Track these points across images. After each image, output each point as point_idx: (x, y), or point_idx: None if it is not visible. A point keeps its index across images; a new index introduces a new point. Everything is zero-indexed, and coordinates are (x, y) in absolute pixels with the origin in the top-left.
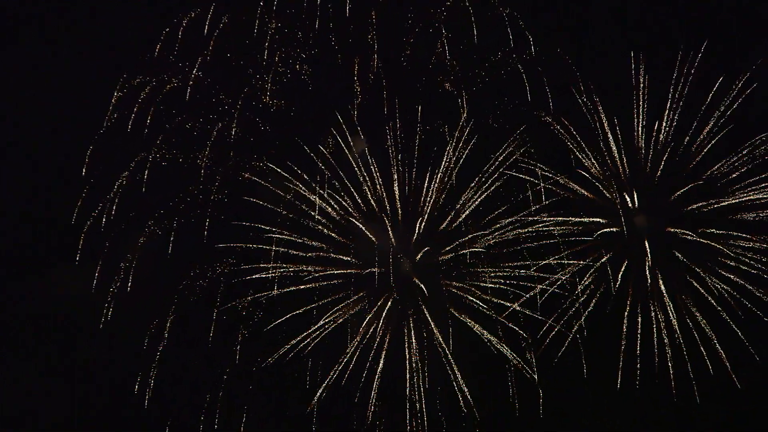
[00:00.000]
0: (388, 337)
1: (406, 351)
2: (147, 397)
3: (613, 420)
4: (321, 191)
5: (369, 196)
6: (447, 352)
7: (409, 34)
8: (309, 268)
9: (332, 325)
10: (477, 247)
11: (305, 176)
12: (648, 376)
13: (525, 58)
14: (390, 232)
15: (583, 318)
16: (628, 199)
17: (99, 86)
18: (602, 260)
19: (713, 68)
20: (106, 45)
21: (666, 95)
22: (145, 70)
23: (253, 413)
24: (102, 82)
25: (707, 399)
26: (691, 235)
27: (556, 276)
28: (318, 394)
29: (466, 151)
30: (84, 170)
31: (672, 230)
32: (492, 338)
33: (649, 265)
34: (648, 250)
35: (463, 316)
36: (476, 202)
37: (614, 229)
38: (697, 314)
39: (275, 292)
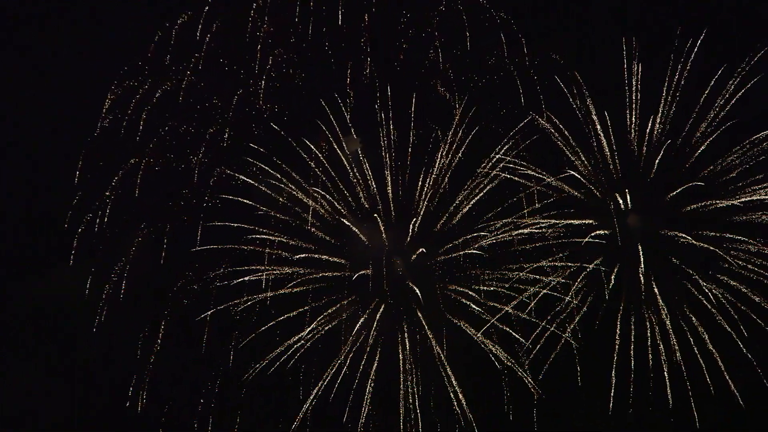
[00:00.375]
0: (381, 340)
1: (400, 354)
2: (142, 400)
3: (608, 423)
4: (314, 192)
5: (362, 196)
6: (441, 355)
7: (402, 38)
8: (301, 271)
9: (326, 327)
10: (471, 249)
11: (297, 177)
12: (642, 380)
13: (517, 61)
14: (383, 233)
15: (576, 320)
16: (620, 200)
17: (92, 89)
18: (593, 264)
19: (711, 60)
20: (99, 49)
21: (661, 88)
22: (138, 74)
23: (246, 415)
24: (95, 86)
25: (703, 401)
26: (686, 238)
27: (548, 279)
28: (310, 399)
29: (459, 154)
30: (77, 174)
31: (666, 233)
32: (486, 341)
33: (642, 269)
34: (641, 253)
35: (456, 319)
36: (468, 206)
37: (606, 232)
38: (693, 318)
39: (268, 294)
